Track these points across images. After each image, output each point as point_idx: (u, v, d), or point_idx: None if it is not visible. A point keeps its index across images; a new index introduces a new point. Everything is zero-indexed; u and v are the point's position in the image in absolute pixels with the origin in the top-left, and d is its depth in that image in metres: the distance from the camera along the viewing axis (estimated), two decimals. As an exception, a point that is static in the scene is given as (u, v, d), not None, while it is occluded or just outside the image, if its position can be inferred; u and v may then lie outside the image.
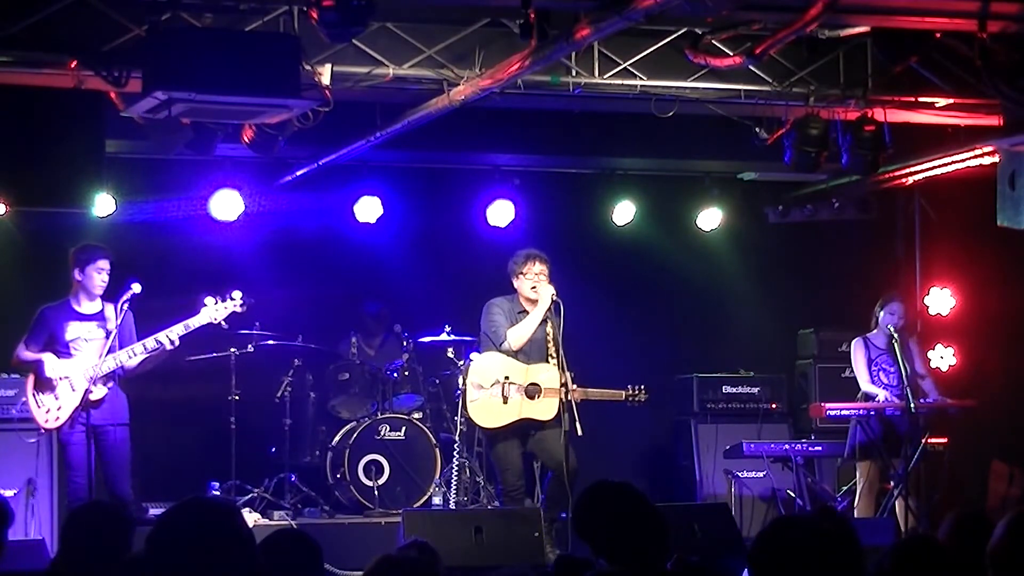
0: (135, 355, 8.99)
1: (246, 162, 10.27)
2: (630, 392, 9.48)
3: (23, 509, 9.73)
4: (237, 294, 9.24)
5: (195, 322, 9.10)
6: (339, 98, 8.29)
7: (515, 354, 9.27)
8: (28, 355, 9.04)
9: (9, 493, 9.59)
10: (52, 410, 8.93)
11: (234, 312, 9.24)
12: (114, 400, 9.06)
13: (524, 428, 9.29)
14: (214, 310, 9.17)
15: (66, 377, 8.93)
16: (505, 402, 9.23)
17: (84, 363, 8.96)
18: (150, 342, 8.98)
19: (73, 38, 7.85)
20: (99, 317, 9.08)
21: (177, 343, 9.02)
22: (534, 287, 9.24)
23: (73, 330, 9.02)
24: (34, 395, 9.00)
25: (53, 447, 9.90)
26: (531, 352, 9.32)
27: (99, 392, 8.96)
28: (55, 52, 7.86)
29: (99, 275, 9.02)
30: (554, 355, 9.20)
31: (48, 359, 8.95)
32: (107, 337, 8.99)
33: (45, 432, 9.13)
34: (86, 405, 8.82)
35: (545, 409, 9.19)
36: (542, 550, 8.79)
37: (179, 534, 3.44)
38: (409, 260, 11.44)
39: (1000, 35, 7.90)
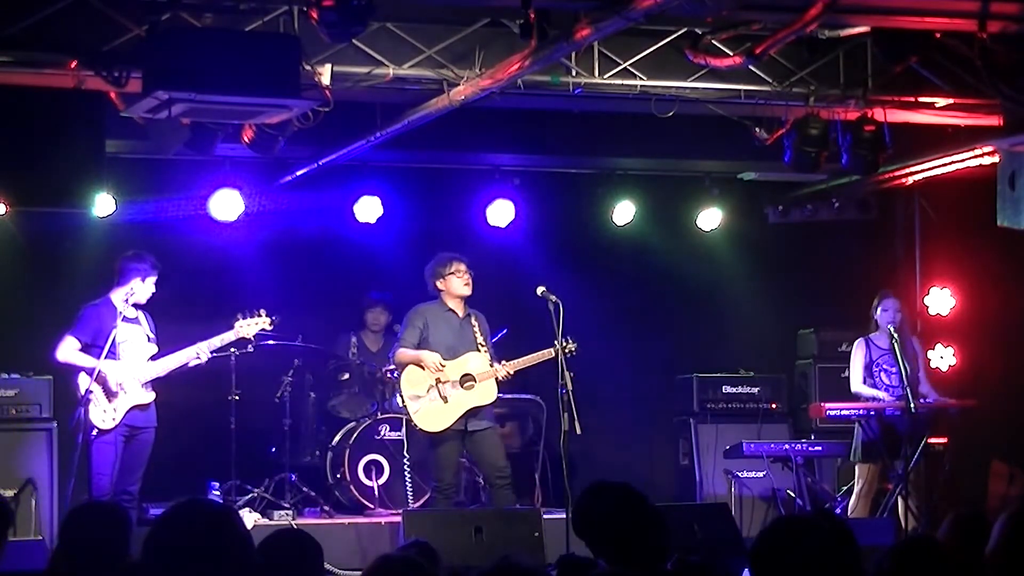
0: (173, 365, 9.31)
1: (246, 162, 10.27)
2: (557, 348, 9.33)
3: (23, 509, 9.73)
4: (263, 312, 9.58)
5: (228, 337, 9.49)
6: (339, 98, 8.29)
7: (439, 353, 9.48)
8: (82, 360, 9.11)
9: (9, 493, 9.59)
10: (109, 411, 9.11)
11: (263, 330, 9.60)
12: (153, 403, 9.36)
13: (468, 421, 9.42)
14: (245, 327, 9.51)
15: (122, 381, 9.16)
16: (446, 402, 9.41)
17: (132, 365, 9.19)
18: (182, 356, 9.32)
19: (73, 38, 7.84)
20: (137, 321, 9.31)
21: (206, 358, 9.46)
22: (467, 283, 9.52)
23: (122, 332, 9.15)
24: (91, 395, 9.06)
25: (54, 447, 9.92)
26: (458, 347, 9.51)
27: (149, 396, 9.28)
28: (55, 52, 7.85)
29: (149, 289, 9.29)
30: (483, 344, 9.48)
31: (109, 368, 9.07)
32: (148, 341, 9.31)
33: (99, 432, 9.08)
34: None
35: (485, 393, 9.43)
36: (542, 550, 8.80)
37: (176, 536, 3.43)
38: (409, 260, 11.42)
39: (1000, 35, 7.90)
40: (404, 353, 9.54)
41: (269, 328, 9.65)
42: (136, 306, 9.29)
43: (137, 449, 9.27)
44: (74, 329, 9.19)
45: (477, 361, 9.46)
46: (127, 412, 9.16)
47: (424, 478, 10.48)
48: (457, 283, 9.52)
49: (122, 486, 9.14)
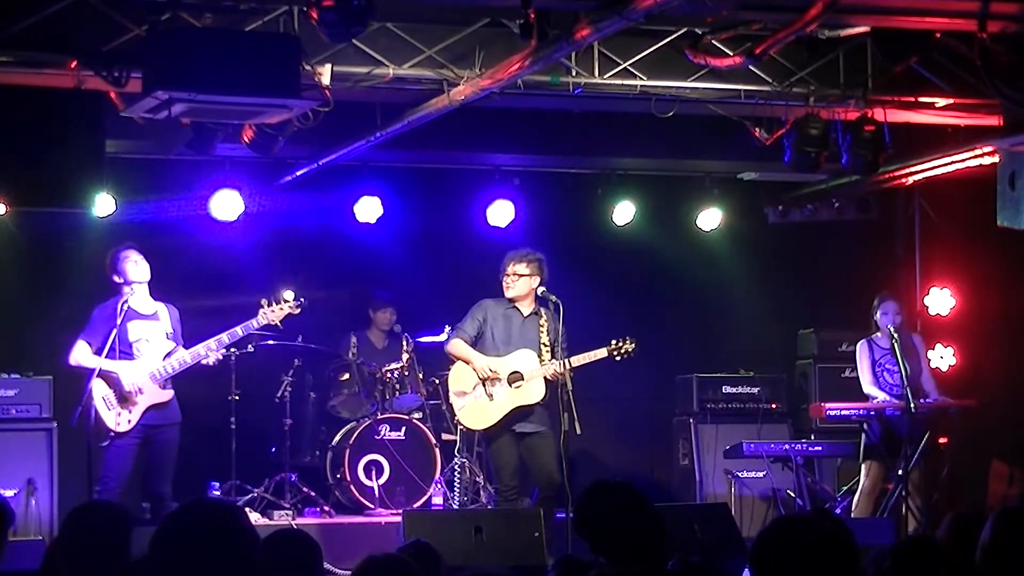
0: (201, 355, 9.02)
1: (246, 162, 10.27)
2: (613, 346, 9.30)
3: (23, 509, 9.73)
4: (289, 295, 9.29)
5: (254, 324, 9.17)
6: (339, 98, 8.29)
7: (488, 348, 9.30)
8: (89, 361, 8.87)
9: (9, 493, 9.59)
10: (123, 413, 8.84)
11: (290, 314, 9.27)
12: (173, 400, 9.10)
13: (517, 423, 9.25)
14: (270, 312, 9.19)
15: (137, 382, 8.91)
16: (491, 399, 9.26)
17: (148, 365, 8.95)
18: (213, 343, 9.05)
19: (73, 38, 7.84)
20: (156, 317, 9.08)
21: (219, 350, 9.13)
22: (507, 286, 9.34)
23: (135, 330, 8.98)
24: (104, 399, 8.86)
25: (54, 447, 9.92)
26: (514, 345, 9.31)
27: (167, 395, 9.01)
28: (55, 52, 7.86)
29: (132, 264, 9.00)
30: (547, 344, 9.23)
31: (123, 370, 8.86)
32: (167, 338, 9.04)
33: (115, 435, 8.83)
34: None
35: (532, 392, 9.21)
36: (542, 550, 8.79)
37: (183, 537, 3.43)
38: (409, 260, 11.45)
39: (1000, 35, 7.89)
40: (458, 346, 9.35)
41: (296, 312, 9.28)
42: (164, 301, 9.09)
43: (158, 449, 8.96)
44: (85, 332, 8.97)
45: (527, 359, 9.24)
46: (144, 413, 8.89)
47: (424, 480, 10.51)
48: (504, 286, 9.38)
49: (153, 488, 8.91)
